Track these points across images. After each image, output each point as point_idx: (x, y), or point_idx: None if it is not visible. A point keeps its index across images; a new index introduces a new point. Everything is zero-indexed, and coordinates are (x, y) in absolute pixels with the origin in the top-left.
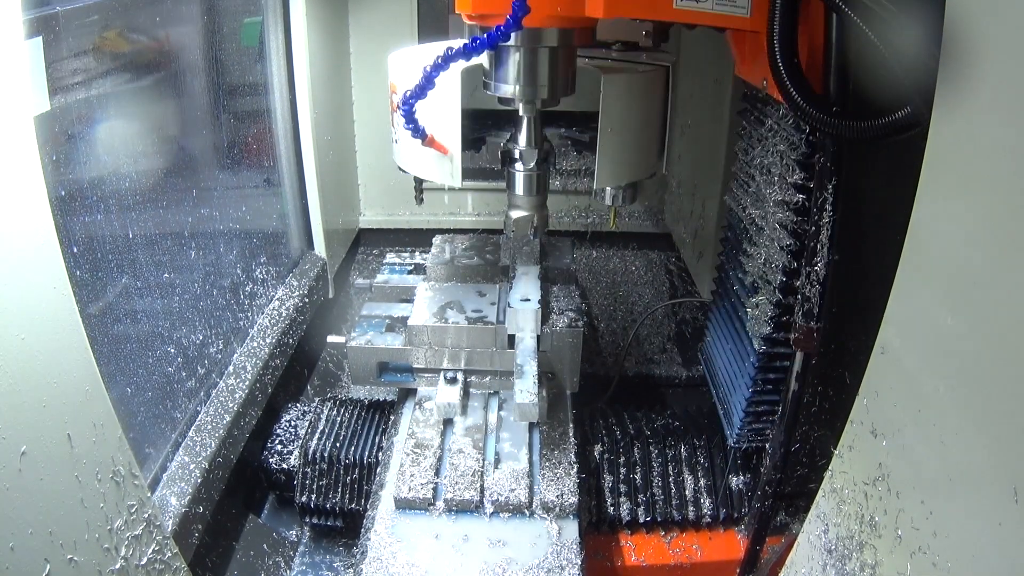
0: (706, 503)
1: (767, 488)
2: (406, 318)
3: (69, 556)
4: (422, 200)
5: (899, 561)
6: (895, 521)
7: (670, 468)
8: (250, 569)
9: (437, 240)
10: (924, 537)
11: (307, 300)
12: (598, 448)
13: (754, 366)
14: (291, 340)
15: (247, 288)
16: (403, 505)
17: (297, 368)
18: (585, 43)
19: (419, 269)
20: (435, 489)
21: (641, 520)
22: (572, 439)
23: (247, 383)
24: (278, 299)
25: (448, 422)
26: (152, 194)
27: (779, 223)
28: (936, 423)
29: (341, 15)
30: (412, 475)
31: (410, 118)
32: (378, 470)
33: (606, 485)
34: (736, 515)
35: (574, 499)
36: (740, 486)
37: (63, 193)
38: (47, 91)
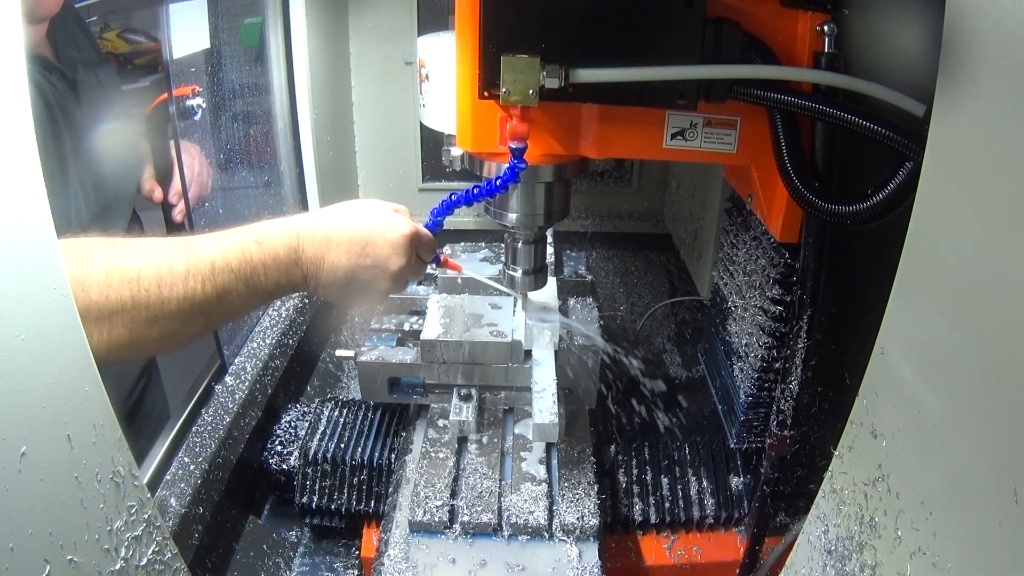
0: (709, 503)
1: (766, 488)
2: (417, 332)
3: (69, 557)
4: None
5: (899, 562)
6: (895, 522)
7: (676, 469)
8: (250, 569)
9: (447, 250)
10: (924, 538)
11: (307, 300)
12: (612, 448)
13: (744, 405)
14: (291, 340)
15: None
16: (418, 528)
17: (297, 368)
18: (578, 173)
19: (428, 279)
20: (451, 511)
21: (653, 521)
22: (591, 458)
23: (247, 384)
24: (278, 299)
25: (463, 440)
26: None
27: (758, 325)
28: (936, 423)
29: (341, 15)
30: (427, 497)
31: None
32: (390, 490)
33: (617, 486)
34: (737, 515)
35: (595, 521)
36: (740, 487)
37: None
38: None
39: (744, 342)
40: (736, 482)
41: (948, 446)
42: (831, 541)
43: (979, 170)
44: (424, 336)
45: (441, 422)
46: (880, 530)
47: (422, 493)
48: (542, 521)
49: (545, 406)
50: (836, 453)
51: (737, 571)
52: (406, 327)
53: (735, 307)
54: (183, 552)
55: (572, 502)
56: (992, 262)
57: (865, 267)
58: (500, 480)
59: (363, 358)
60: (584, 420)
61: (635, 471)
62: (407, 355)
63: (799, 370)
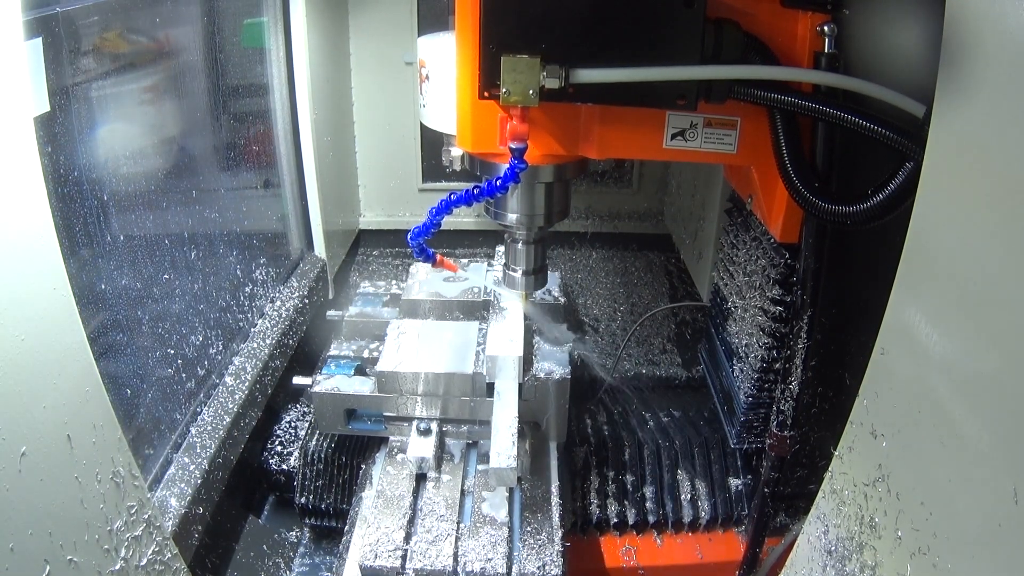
0: (706, 504)
1: (766, 489)
2: (377, 359)
3: (69, 557)
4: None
5: (899, 562)
6: (895, 522)
7: (667, 469)
8: (250, 570)
9: (414, 270)
10: (924, 538)
11: (307, 301)
12: (585, 448)
13: (744, 405)
14: (291, 341)
15: (247, 289)
16: (369, 574)
17: (297, 369)
18: (579, 174)
19: (395, 300)
20: (404, 556)
21: (631, 521)
22: (557, 499)
23: (247, 384)
24: (278, 300)
25: (421, 477)
26: (152, 195)
27: (759, 326)
28: (936, 424)
29: (341, 15)
30: (379, 540)
31: (419, 250)
32: (345, 528)
33: (593, 486)
34: (736, 515)
35: (557, 571)
36: (739, 487)
37: (63, 193)
38: (47, 92)
39: (744, 343)
40: (735, 482)
41: (948, 447)
42: (831, 541)
43: (979, 170)
44: (380, 367)
45: (400, 457)
46: (880, 530)
47: (374, 536)
48: (500, 570)
49: (503, 448)
50: (836, 453)
51: (737, 571)
52: (365, 354)
53: (735, 308)
54: (183, 552)
55: (534, 549)
56: (992, 262)
57: (865, 267)
58: (458, 523)
59: (317, 388)
60: (550, 457)
61: (625, 472)
62: (365, 385)
63: (799, 370)
